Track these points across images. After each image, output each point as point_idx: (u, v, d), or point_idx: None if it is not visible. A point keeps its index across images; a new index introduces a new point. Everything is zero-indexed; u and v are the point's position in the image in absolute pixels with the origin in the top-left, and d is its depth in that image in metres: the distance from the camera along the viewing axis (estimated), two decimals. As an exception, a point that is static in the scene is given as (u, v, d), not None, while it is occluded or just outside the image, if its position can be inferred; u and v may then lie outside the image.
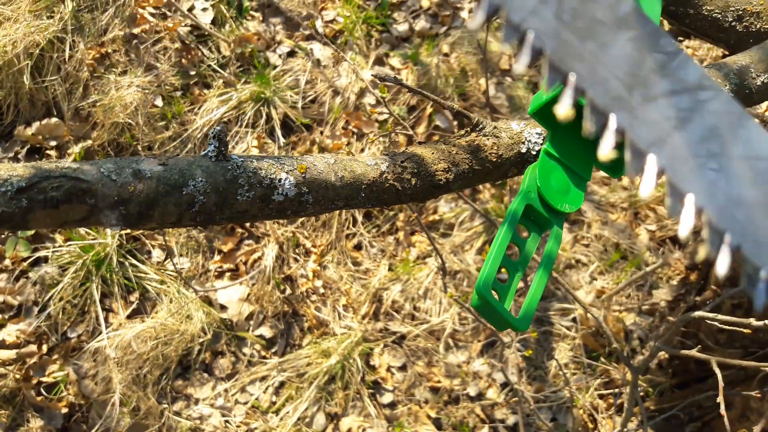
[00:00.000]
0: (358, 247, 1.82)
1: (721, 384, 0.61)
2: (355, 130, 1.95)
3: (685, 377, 1.38)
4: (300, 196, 0.49)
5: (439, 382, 1.63)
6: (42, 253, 1.66)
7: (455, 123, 1.97)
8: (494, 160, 0.58)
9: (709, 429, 1.36)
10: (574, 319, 1.70)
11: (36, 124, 1.82)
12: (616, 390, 1.58)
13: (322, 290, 1.73)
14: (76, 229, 1.66)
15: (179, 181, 0.44)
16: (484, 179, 0.59)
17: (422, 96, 0.56)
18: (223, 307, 1.68)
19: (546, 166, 0.54)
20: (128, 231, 1.71)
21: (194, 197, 0.44)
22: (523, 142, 0.59)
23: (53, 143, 1.83)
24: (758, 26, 0.84)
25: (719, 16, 0.85)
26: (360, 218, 1.82)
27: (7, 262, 1.66)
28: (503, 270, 0.53)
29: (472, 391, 1.62)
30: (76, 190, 0.40)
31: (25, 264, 1.65)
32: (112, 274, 1.63)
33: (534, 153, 0.58)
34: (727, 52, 0.92)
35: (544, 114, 0.53)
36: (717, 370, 0.61)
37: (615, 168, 0.56)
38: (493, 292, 0.49)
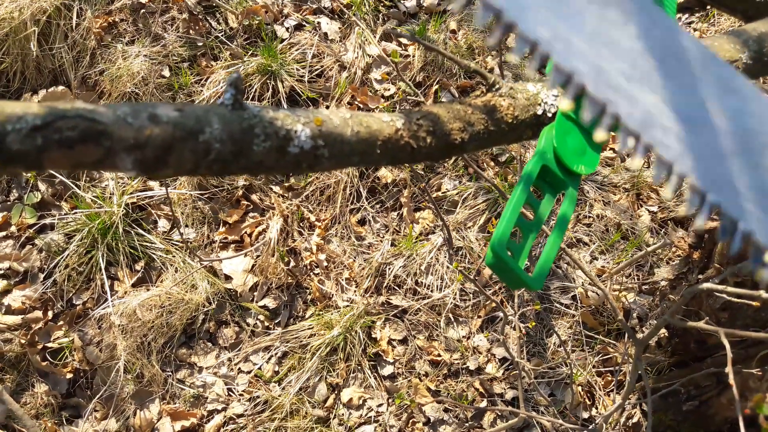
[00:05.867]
0: (362, 222, 1.82)
1: (729, 355, 0.61)
2: (361, 105, 1.94)
3: (683, 356, 1.38)
4: (315, 149, 0.49)
5: (439, 355, 1.65)
6: (48, 221, 1.66)
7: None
8: (510, 121, 0.58)
9: (707, 407, 1.37)
10: (573, 297, 1.71)
11: (42, 92, 1.81)
12: (615, 368, 1.59)
13: (325, 263, 1.74)
14: (82, 197, 1.66)
15: (195, 127, 0.43)
16: (500, 141, 0.59)
17: (439, 53, 0.55)
18: (227, 278, 1.69)
19: (563, 127, 0.54)
20: (134, 200, 1.71)
21: (210, 144, 0.44)
22: (539, 104, 0.58)
23: (59, 111, 1.82)
24: (778, -4, 0.83)
25: (737, -14, 0.84)
26: (364, 193, 1.82)
27: (13, 228, 1.66)
28: (518, 231, 0.53)
29: (471, 365, 1.63)
30: (92, 131, 0.40)
31: (31, 231, 1.65)
32: (117, 243, 1.63)
33: (550, 115, 0.58)
34: (744, 23, 0.90)
35: None
36: (725, 341, 0.61)
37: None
38: (508, 251, 0.49)
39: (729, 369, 0.58)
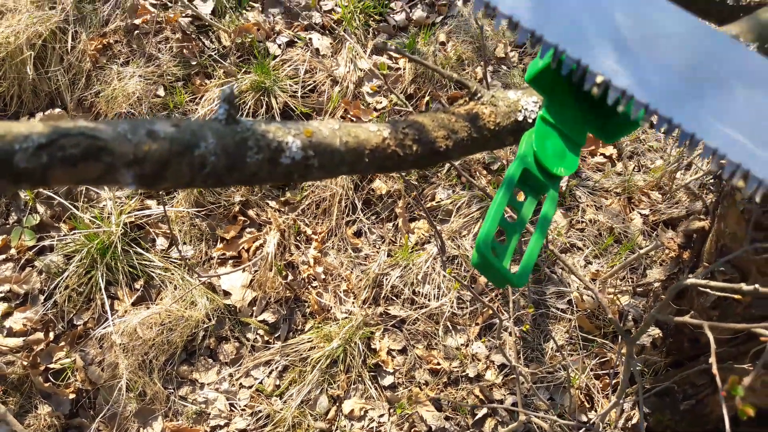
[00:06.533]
0: (358, 233, 1.84)
1: (713, 347, 0.63)
2: (354, 118, 1.97)
3: (678, 356, 1.40)
4: (306, 159, 0.52)
5: (438, 364, 1.66)
6: (47, 242, 1.68)
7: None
8: (492, 128, 0.60)
9: (703, 406, 1.39)
10: (569, 302, 1.72)
11: (39, 115, 1.84)
12: (612, 370, 1.60)
13: (323, 276, 1.76)
14: (80, 218, 1.68)
15: (191, 141, 0.46)
16: (483, 147, 0.61)
17: (422, 65, 0.58)
18: (226, 294, 1.70)
19: (542, 132, 0.56)
20: (132, 219, 1.73)
21: (206, 158, 0.46)
22: (520, 110, 0.61)
23: (56, 133, 1.84)
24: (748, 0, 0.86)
25: (710, -10, 0.87)
26: (360, 205, 1.84)
27: (13, 251, 1.68)
28: (502, 232, 0.55)
29: (470, 372, 1.64)
30: (94, 148, 0.42)
31: (30, 253, 1.67)
32: (116, 262, 1.65)
33: (530, 121, 0.60)
34: (717, 26, 0.93)
35: (540, 81, 0.55)
36: (709, 334, 0.63)
37: (606, 133, 0.58)
38: (492, 250, 0.52)
39: (713, 361, 0.60)
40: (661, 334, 1.45)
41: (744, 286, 0.65)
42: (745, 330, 0.63)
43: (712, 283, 0.68)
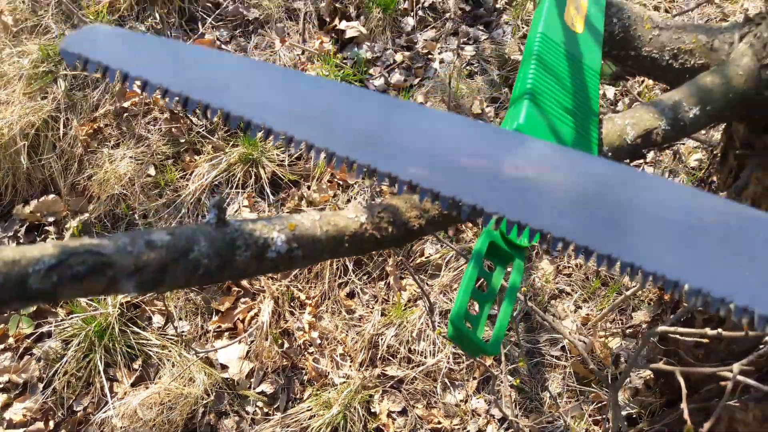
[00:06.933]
0: (350, 295, 1.87)
1: (684, 391, 0.66)
2: (340, 182, 2.04)
3: (671, 396, 1.42)
4: (290, 251, 0.57)
5: (439, 423, 1.66)
6: (45, 329, 1.70)
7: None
8: (460, 205, 0.66)
9: (703, 445, 1.40)
10: (562, 348, 1.75)
11: (34, 202, 1.89)
12: (603, 416, 1.61)
13: (319, 341, 1.78)
14: (77, 302, 1.71)
15: (185, 246, 0.51)
16: (453, 222, 0.67)
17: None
18: (224, 367, 1.72)
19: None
20: (128, 299, 1.76)
21: (199, 261, 0.51)
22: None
23: (51, 219, 1.89)
24: (692, 62, 0.93)
25: (657, 56, 0.95)
26: (351, 266, 1.88)
27: (11, 340, 1.69)
28: (474, 303, 0.60)
29: (472, 429, 1.65)
30: (98, 264, 0.47)
31: (28, 341, 1.69)
32: (114, 344, 1.67)
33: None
34: (668, 88, 1.01)
35: None
36: (680, 378, 0.67)
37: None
38: (466, 322, 0.56)
39: (683, 405, 0.63)
40: (652, 375, 1.47)
41: (708, 331, 0.69)
42: (712, 373, 0.67)
43: (680, 330, 0.72)
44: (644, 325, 1.62)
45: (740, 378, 0.67)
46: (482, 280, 0.61)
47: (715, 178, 1.06)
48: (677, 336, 0.73)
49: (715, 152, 1.09)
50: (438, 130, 0.48)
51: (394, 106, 0.51)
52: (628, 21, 0.90)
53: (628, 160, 0.84)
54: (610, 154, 0.69)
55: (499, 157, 0.46)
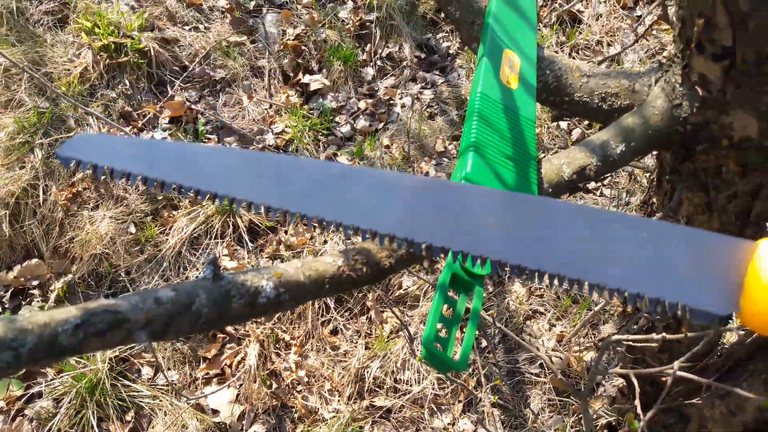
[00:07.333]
0: (334, 331, 1.94)
1: (637, 390, 0.75)
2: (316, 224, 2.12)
3: (643, 400, 1.51)
4: (278, 296, 0.65)
5: (430, 448, 1.72)
6: (35, 389, 1.73)
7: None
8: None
9: (677, 444, 1.48)
10: (541, 365, 1.84)
11: (17, 267, 1.93)
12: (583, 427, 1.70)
13: (306, 379, 1.83)
14: (67, 360, 1.74)
15: (188, 301, 0.59)
16: (419, 260, 0.76)
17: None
18: (215, 412, 1.76)
19: (461, 243, 0.71)
20: (116, 353, 1.79)
21: (200, 312, 0.59)
22: (443, 227, 0.76)
23: (35, 282, 1.93)
24: (619, 103, 1.06)
25: (588, 99, 1.07)
26: (332, 304, 1.96)
27: (2, 403, 1.71)
28: (443, 327, 0.69)
29: (461, 450, 1.71)
30: (116, 320, 0.54)
31: (20, 403, 1.71)
32: (105, 398, 1.70)
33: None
34: (602, 126, 1.14)
35: None
36: (635, 381, 0.76)
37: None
38: (437, 344, 0.65)
39: (637, 403, 0.72)
40: (624, 383, 1.56)
41: (654, 336, 0.79)
42: (657, 373, 0.76)
43: (631, 337, 0.82)
44: (613, 337, 1.72)
45: (680, 374, 0.76)
46: (448, 306, 0.70)
47: (654, 200, 1.17)
48: (627, 342, 0.83)
49: (651, 177, 1.20)
50: (394, 186, 0.58)
51: (350, 171, 0.62)
52: (560, 72, 1.02)
53: (567, 194, 0.95)
54: (550, 190, 0.79)
55: (447, 203, 0.56)
